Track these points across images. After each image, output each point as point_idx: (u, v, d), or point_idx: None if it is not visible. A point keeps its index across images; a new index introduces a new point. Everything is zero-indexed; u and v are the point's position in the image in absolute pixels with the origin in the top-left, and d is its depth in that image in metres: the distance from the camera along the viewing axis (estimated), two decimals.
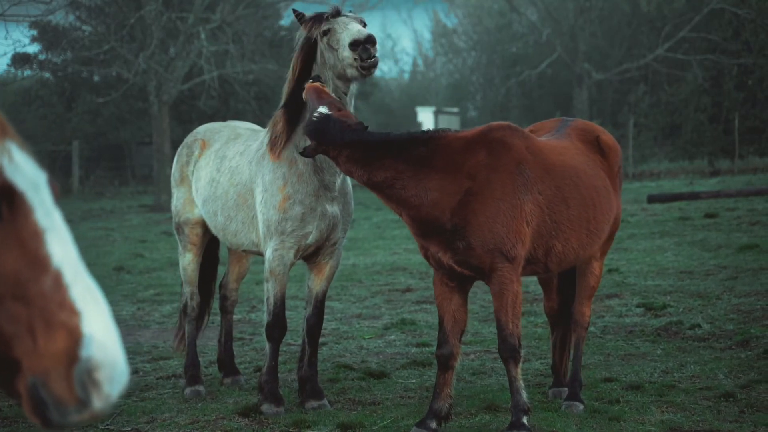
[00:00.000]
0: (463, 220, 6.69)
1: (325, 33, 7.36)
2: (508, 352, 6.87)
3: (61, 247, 2.45)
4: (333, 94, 7.14)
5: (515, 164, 6.83)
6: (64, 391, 2.33)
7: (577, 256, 7.26)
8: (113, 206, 32.44)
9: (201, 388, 8.38)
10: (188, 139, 8.77)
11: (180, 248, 8.78)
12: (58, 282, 2.40)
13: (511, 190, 6.77)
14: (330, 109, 6.76)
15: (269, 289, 7.67)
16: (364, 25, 7.42)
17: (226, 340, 8.94)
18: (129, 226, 25.97)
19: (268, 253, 7.61)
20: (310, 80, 7.20)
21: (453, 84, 62.38)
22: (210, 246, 8.93)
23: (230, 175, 8.05)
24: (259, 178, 7.72)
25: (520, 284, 6.91)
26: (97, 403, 2.33)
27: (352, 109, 7.44)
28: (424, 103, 58.52)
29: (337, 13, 7.41)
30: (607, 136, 7.72)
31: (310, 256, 7.80)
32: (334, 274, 7.94)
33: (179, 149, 8.80)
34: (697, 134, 40.09)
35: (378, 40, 7.23)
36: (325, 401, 7.80)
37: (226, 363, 8.87)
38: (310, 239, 7.57)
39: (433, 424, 7.00)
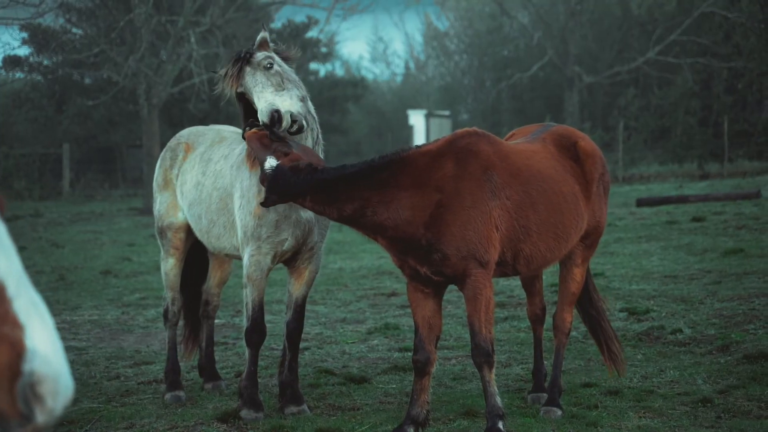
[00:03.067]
0: (437, 234, 6.74)
1: (241, 95, 7.37)
2: (482, 357, 6.90)
3: (4, 259, 2.43)
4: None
5: (482, 171, 6.87)
6: (7, 405, 2.31)
7: (545, 260, 7.31)
8: (103, 209, 32.39)
9: (181, 393, 8.38)
10: (172, 142, 8.74)
11: (162, 253, 8.77)
12: (0, 295, 2.38)
13: (480, 197, 6.81)
14: (278, 157, 6.78)
15: (247, 295, 7.70)
16: (270, 66, 7.33)
17: (207, 345, 8.94)
18: (118, 229, 25.94)
19: (245, 259, 7.64)
20: (246, 128, 7.19)
21: (444, 87, 62.40)
22: (199, 251, 8.90)
23: (214, 178, 8.06)
24: (238, 182, 7.74)
25: (492, 289, 6.94)
26: (41, 418, 2.32)
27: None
28: (416, 105, 58.53)
29: (240, 61, 7.35)
30: (586, 143, 7.69)
31: (290, 260, 7.81)
32: (314, 279, 7.95)
33: (162, 153, 8.76)
34: (687, 137, 40.18)
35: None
36: (304, 406, 7.80)
37: (207, 368, 8.87)
38: (286, 246, 7.59)
39: (411, 430, 7.03)
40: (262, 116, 7.09)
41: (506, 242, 6.97)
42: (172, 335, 8.71)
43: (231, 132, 8.57)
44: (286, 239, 7.57)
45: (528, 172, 7.11)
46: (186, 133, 8.77)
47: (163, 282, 8.81)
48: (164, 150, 8.76)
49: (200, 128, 8.85)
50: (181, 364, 8.83)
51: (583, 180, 7.48)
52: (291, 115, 7.17)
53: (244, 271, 7.69)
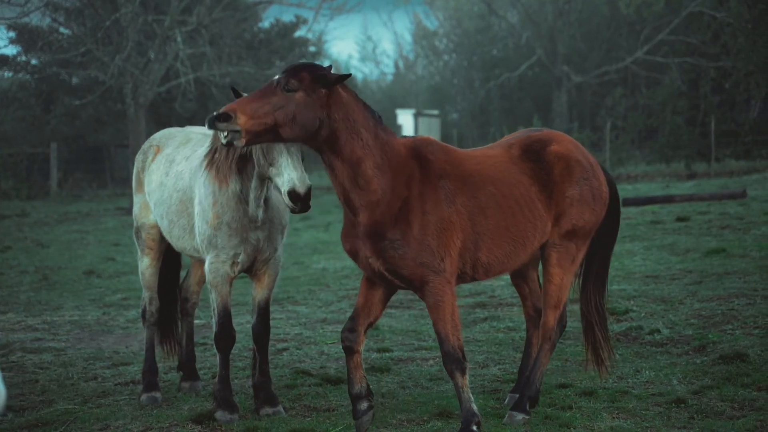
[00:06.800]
0: (401, 233, 6.82)
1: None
2: (453, 363, 6.96)
3: None
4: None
5: (437, 178, 6.98)
6: None
7: (503, 266, 7.31)
8: (90, 209, 32.32)
9: (157, 394, 8.38)
10: (145, 145, 8.83)
11: (139, 253, 8.81)
12: None
13: (436, 203, 6.91)
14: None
15: (212, 300, 7.76)
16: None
17: (188, 342, 8.93)
18: (104, 229, 25.88)
19: (206, 266, 7.76)
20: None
21: (433, 86, 62.45)
22: (172, 251, 8.92)
23: (175, 179, 8.15)
24: (196, 188, 7.80)
25: (455, 296, 6.98)
26: None
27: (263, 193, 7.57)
28: (405, 105, 58.57)
29: None
30: (561, 147, 7.53)
31: (249, 269, 7.85)
32: (274, 281, 7.97)
33: (137, 155, 8.84)
34: (674, 137, 40.22)
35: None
36: (279, 407, 7.82)
37: (187, 366, 8.87)
38: (240, 259, 7.68)
39: (365, 405, 7.14)
40: (301, 186, 7.04)
41: (464, 252, 7.04)
42: (151, 335, 8.72)
43: (199, 133, 8.61)
44: (239, 254, 7.66)
45: (478, 178, 7.15)
46: (159, 135, 8.85)
47: (141, 282, 8.84)
48: (139, 152, 8.85)
49: (173, 130, 8.90)
50: (159, 365, 8.84)
51: (549, 182, 7.38)
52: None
53: (207, 278, 7.78)
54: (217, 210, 7.57)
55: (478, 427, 6.93)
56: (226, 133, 6.50)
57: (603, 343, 8.02)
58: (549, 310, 7.60)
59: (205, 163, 7.69)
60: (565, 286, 7.63)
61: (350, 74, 6.90)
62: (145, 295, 8.77)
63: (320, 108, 6.67)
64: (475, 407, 6.98)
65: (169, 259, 8.96)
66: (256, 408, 7.88)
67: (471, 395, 7.01)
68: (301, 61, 7.00)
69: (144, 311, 8.78)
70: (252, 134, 6.50)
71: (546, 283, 7.64)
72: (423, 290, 6.91)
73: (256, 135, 6.52)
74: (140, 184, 8.70)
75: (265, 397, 7.83)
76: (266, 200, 7.65)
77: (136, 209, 8.75)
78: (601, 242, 7.95)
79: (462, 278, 7.18)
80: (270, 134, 6.58)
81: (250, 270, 7.86)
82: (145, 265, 8.71)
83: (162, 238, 8.62)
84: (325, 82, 6.68)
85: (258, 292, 7.92)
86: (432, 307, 6.95)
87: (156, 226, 8.56)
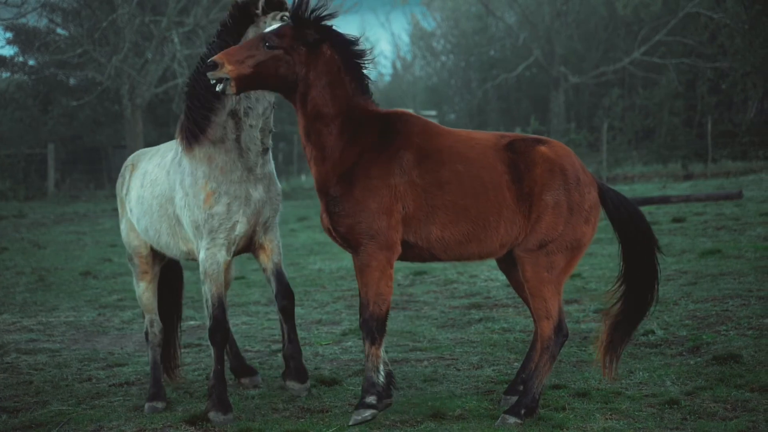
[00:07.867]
0: (340, 189, 7.08)
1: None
2: (366, 332, 7.14)
3: None
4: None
5: (396, 149, 7.13)
6: None
7: (464, 247, 7.29)
8: (87, 210, 32.28)
9: (160, 404, 8.22)
10: (122, 168, 8.90)
11: (134, 278, 8.81)
12: None
13: (386, 171, 7.07)
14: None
15: (206, 291, 7.73)
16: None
17: (231, 346, 8.89)
18: (101, 230, 25.86)
19: (201, 255, 7.70)
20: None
21: (431, 87, 62.46)
22: (169, 274, 8.90)
23: (151, 188, 8.20)
24: (177, 184, 7.81)
25: (387, 263, 7.08)
26: None
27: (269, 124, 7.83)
28: (403, 106, 58.56)
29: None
30: (550, 150, 7.40)
31: (249, 245, 7.86)
32: (280, 246, 8.02)
33: (117, 181, 8.90)
34: (671, 138, 40.24)
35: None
36: (307, 385, 7.96)
37: (238, 366, 8.89)
38: (239, 230, 7.66)
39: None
40: None
41: (414, 222, 7.13)
42: (155, 356, 8.64)
43: (168, 143, 8.64)
44: (238, 221, 7.66)
45: (447, 154, 7.23)
46: (132, 156, 8.98)
47: (140, 305, 8.83)
48: (119, 177, 8.88)
49: (147, 149, 9.02)
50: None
51: (525, 177, 7.27)
52: None
53: (201, 267, 7.74)
54: (212, 186, 7.60)
55: (377, 399, 7.11)
56: (216, 82, 6.90)
57: (621, 347, 7.79)
58: (541, 322, 7.44)
59: (177, 132, 7.81)
60: (549, 297, 7.39)
61: (331, 28, 7.14)
62: (146, 318, 8.74)
63: (299, 65, 7.03)
64: (379, 379, 7.15)
65: (167, 279, 8.94)
66: (283, 377, 7.96)
67: (380, 366, 7.15)
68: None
69: (146, 334, 8.75)
70: (240, 81, 6.88)
71: (529, 297, 7.50)
72: (356, 253, 7.09)
73: (243, 82, 6.90)
74: (122, 205, 8.74)
75: (294, 369, 7.87)
76: (265, 151, 7.75)
77: (123, 234, 8.76)
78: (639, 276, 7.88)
79: (419, 253, 7.29)
80: (256, 84, 6.99)
81: (251, 244, 7.85)
82: (142, 289, 8.70)
83: (155, 259, 8.64)
84: (305, 42, 7.00)
85: (267, 261, 7.93)
86: (358, 270, 7.10)
87: (147, 246, 8.56)
